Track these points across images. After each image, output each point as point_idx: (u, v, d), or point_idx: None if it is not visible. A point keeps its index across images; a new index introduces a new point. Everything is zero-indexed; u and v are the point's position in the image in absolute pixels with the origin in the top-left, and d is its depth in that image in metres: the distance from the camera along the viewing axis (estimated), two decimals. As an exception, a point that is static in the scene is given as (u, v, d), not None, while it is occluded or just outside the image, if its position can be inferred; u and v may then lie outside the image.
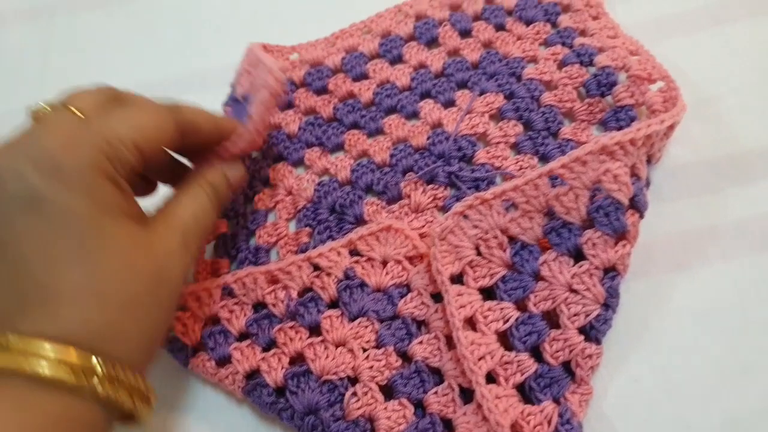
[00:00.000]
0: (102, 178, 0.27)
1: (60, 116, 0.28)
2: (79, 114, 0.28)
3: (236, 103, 0.41)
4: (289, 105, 0.45)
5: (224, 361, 0.36)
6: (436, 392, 0.33)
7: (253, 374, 0.35)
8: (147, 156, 0.30)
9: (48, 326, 0.24)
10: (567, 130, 0.40)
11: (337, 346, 0.35)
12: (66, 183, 0.26)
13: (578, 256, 0.33)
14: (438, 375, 0.34)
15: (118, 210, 0.28)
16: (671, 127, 0.37)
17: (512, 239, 0.35)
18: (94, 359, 0.25)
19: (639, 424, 0.32)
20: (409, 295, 0.36)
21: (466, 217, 0.36)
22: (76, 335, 0.25)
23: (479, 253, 0.35)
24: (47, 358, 0.24)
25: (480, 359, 0.32)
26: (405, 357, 0.35)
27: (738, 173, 0.38)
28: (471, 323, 0.34)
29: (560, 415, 0.31)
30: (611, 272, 0.33)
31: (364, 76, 0.45)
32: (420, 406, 0.33)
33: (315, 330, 0.36)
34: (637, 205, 0.34)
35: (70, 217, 0.26)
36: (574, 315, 0.32)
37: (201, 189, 0.34)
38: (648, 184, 0.37)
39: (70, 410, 0.24)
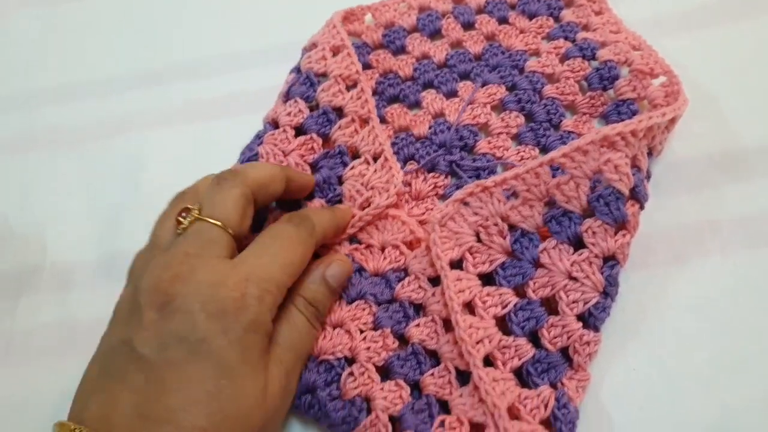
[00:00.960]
0: (254, 332, 0.29)
1: (211, 249, 0.30)
2: (226, 229, 0.31)
3: (306, 81, 0.42)
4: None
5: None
6: (432, 374, 0.33)
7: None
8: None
9: None
10: (568, 122, 0.41)
11: (334, 328, 0.35)
12: (225, 330, 0.28)
13: (578, 244, 0.34)
14: (435, 357, 0.34)
15: (258, 357, 0.29)
16: (673, 121, 0.37)
17: (512, 227, 0.35)
18: None
19: (635, 412, 0.32)
20: (407, 279, 0.36)
21: (466, 204, 0.36)
22: None
23: (479, 240, 0.35)
24: None
25: (478, 342, 0.32)
26: (402, 339, 0.35)
27: (738, 170, 0.38)
28: (469, 308, 0.34)
29: (557, 400, 0.31)
30: (611, 261, 0.33)
31: (368, 66, 0.45)
32: (416, 388, 0.33)
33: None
34: (637, 196, 0.34)
35: (218, 362, 0.27)
36: (573, 302, 0.32)
37: (297, 311, 0.32)
38: (648, 176, 0.37)
39: None
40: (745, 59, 0.42)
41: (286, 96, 0.43)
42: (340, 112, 0.41)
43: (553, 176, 0.34)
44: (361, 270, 0.37)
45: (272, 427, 0.30)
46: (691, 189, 0.38)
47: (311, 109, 0.42)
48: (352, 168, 0.39)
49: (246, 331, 0.28)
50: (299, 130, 0.41)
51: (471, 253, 0.35)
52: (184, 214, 0.31)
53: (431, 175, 0.40)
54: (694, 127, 0.40)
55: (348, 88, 0.41)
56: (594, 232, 0.33)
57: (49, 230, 0.43)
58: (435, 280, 0.36)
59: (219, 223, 0.30)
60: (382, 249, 0.37)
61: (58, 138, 0.47)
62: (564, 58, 0.43)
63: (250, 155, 0.41)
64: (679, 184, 0.38)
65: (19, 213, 0.44)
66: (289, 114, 0.41)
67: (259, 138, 0.42)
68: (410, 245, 0.37)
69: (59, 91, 0.49)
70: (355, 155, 0.40)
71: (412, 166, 0.40)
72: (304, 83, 0.42)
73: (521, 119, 0.41)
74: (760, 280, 0.34)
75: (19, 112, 0.49)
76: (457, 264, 0.35)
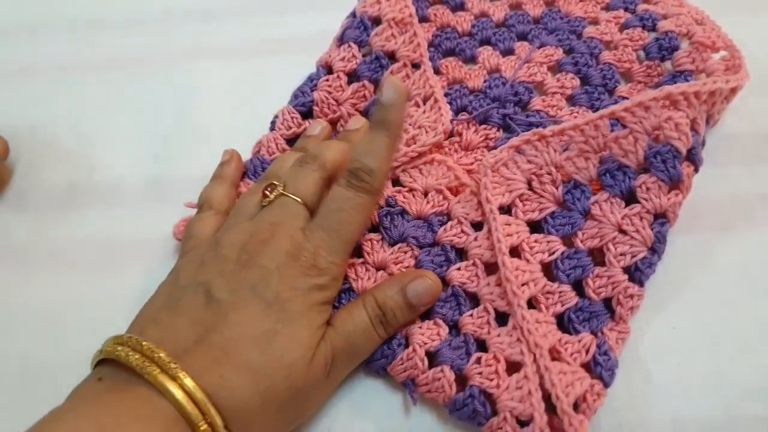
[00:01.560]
0: (318, 293, 0.31)
1: (292, 221, 0.33)
2: (305, 205, 0.33)
3: (360, 25, 0.42)
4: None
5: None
6: (471, 315, 0.33)
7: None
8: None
9: (206, 377, 0.27)
10: (623, 88, 0.41)
11: (377, 269, 0.35)
12: (293, 288, 0.31)
13: (630, 199, 0.34)
14: (474, 300, 0.34)
15: (314, 318, 0.31)
16: (733, 92, 0.37)
17: (565, 180, 0.35)
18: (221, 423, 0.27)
19: (673, 368, 0.32)
20: (449, 224, 0.36)
21: (521, 152, 0.36)
22: (220, 399, 0.27)
23: (530, 188, 0.35)
24: (181, 399, 0.26)
25: (523, 284, 0.32)
26: (443, 282, 0.35)
27: (792, 146, 0.38)
28: (516, 253, 0.34)
29: (598, 347, 0.31)
30: (661, 218, 0.33)
31: (425, 20, 0.45)
32: (455, 327, 0.33)
33: (356, 253, 0.36)
34: (693, 158, 0.34)
35: (280, 309, 0.30)
36: (621, 254, 0.32)
37: (361, 307, 0.33)
38: (703, 143, 0.37)
39: None
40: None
41: (341, 40, 0.43)
42: (392, 57, 0.41)
43: (612, 131, 0.34)
44: (403, 213, 0.37)
45: (307, 402, 0.31)
46: (743, 162, 0.38)
47: (364, 55, 0.42)
48: (404, 111, 0.39)
49: (311, 290, 0.31)
50: (352, 76, 0.41)
51: (521, 201, 0.35)
52: (270, 189, 0.34)
53: (483, 126, 0.40)
54: (751, 104, 0.40)
55: (401, 33, 0.41)
56: (648, 188, 0.33)
57: (98, 150, 0.44)
58: (478, 226, 0.36)
59: (299, 199, 0.33)
60: (425, 193, 0.37)
61: (112, 64, 0.48)
62: (623, 27, 0.43)
63: (304, 101, 0.41)
64: (732, 157, 0.38)
65: (69, 131, 0.45)
66: (342, 59, 0.42)
67: (312, 81, 0.42)
68: (454, 191, 0.37)
69: (118, 18, 0.50)
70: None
71: (464, 116, 0.40)
72: (357, 27, 0.42)
73: (576, 81, 0.41)
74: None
75: (78, 36, 0.49)
76: (505, 210, 0.35)
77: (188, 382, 0.26)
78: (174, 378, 0.26)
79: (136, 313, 0.32)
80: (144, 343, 0.28)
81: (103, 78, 0.47)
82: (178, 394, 0.26)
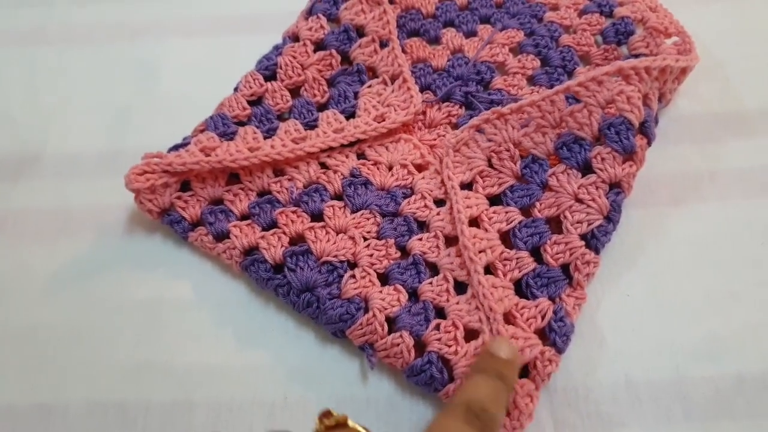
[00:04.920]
0: None
1: None
2: None
3: None
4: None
5: (222, 236, 0.36)
6: (431, 282, 0.33)
7: (251, 251, 0.35)
8: None
9: None
10: (582, 70, 0.42)
11: (338, 233, 0.35)
12: None
13: (586, 171, 0.34)
14: (434, 270, 0.34)
15: None
16: (683, 72, 0.39)
17: (524, 155, 0.36)
18: None
19: (627, 334, 0.33)
20: (413, 197, 0.36)
21: (481, 131, 0.37)
22: None
23: (490, 165, 0.36)
24: None
25: (481, 252, 0.32)
26: (404, 252, 0.35)
27: (740, 127, 0.40)
28: (475, 224, 0.34)
29: (555, 312, 0.31)
30: (616, 188, 0.34)
31: (390, 2, 0.46)
32: (414, 295, 0.33)
33: (317, 218, 0.36)
34: (646, 131, 0.35)
35: None
36: (578, 222, 0.33)
37: (463, 424, 0.26)
38: (656, 121, 0.38)
39: None
40: (754, 30, 0.44)
41: (309, 12, 0.43)
42: (361, 31, 0.42)
43: (567, 105, 0.35)
44: (367, 183, 0.37)
45: None
46: (694, 141, 0.39)
47: (332, 28, 0.42)
48: (370, 86, 0.40)
49: None
50: (319, 46, 0.42)
51: (481, 177, 0.36)
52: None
53: (446, 104, 0.40)
54: (701, 89, 0.41)
55: (371, 10, 0.42)
56: (603, 158, 0.34)
57: (53, 122, 0.43)
58: (440, 203, 0.36)
59: None
60: (390, 167, 0.38)
61: (72, 36, 0.47)
62: (582, 12, 0.44)
63: (267, 65, 0.41)
64: (683, 136, 0.39)
65: (23, 102, 0.44)
66: (310, 29, 0.42)
67: (277, 50, 0.42)
68: (419, 168, 0.38)
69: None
70: (374, 76, 0.41)
71: (428, 95, 0.41)
72: (327, 1, 0.43)
73: (537, 62, 0.42)
74: (753, 225, 0.36)
75: (34, 7, 0.48)
76: (467, 186, 0.36)
77: None
78: None
79: (88, 281, 0.31)
80: None
81: (60, 51, 0.46)
82: None
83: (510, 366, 0.29)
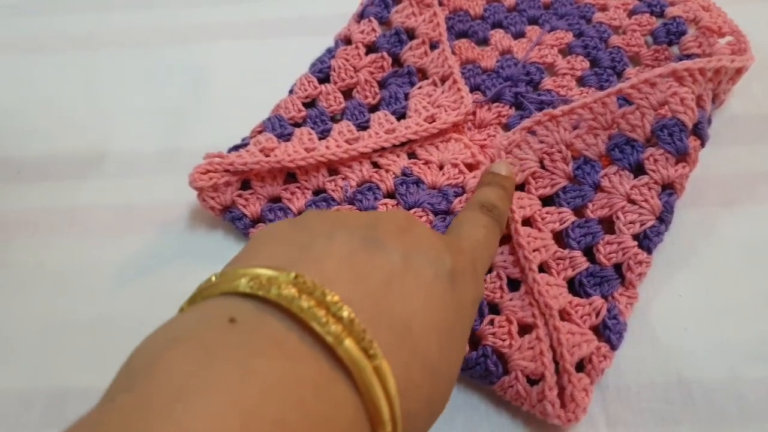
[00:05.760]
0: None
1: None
2: None
3: (381, 3, 0.43)
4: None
5: (281, 233, 0.37)
6: (484, 280, 0.34)
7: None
8: None
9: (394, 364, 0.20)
10: (631, 71, 0.42)
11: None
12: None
13: (638, 172, 0.35)
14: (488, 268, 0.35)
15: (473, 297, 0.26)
16: (738, 73, 0.39)
17: (576, 157, 0.36)
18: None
19: (679, 334, 0.33)
20: (465, 195, 0.37)
21: (533, 132, 0.37)
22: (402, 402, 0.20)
23: (542, 166, 0.37)
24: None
25: (534, 250, 0.33)
26: (457, 250, 0.36)
27: (795, 129, 0.39)
28: (528, 224, 0.35)
29: (608, 310, 0.32)
30: (668, 189, 0.34)
31: (439, 4, 0.46)
32: (469, 293, 0.34)
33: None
34: (699, 133, 0.35)
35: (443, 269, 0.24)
36: (630, 222, 0.34)
37: (479, 213, 0.31)
38: (709, 122, 0.38)
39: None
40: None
41: (360, 16, 0.44)
42: (412, 33, 0.42)
43: (620, 107, 0.35)
44: (418, 182, 0.38)
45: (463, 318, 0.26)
46: (747, 142, 0.39)
47: (383, 30, 0.43)
48: (420, 87, 0.41)
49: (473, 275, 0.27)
50: (371, 49, 0.43)
51: (534, 178, 0.36)
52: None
53: (495, 105, 0.41)
54: (755, 88, 0.41)
55: (421, 12, 0.43)
56: (655, 160, 0.34)
57: (112, 122, 0.45)
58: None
59: None
60: (441, 167, 0.39)
61: (126, 40, 0.49)
62: (631, 13, 0.44)
63: (321, 67, 0.42)
64: (737, 137, 0.39)
65: (84, 104, 0.46)
66: (362, 32, 0.43)
67: (330, 53, 0.43)
68: (469, 168, 0.39)
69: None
70: (424, 77, 0.41)
71: (477, 96, 0.42)
72: (378, 4, 0.44)
73: (586, 63, 0.42)
74: (809, 229, 0.36)
75: (92, 13, 0.50)
76: (519, 188, 0.36)
77: (384, 366, 0.19)
78: (366, 351, 0.19)
79: (152, 274, 0.32)
80: (325, 292, 0.19)
81: (115, 55, 0.48)
82: (376, 386, 0.19)
83: (509, 180, 0.35)
